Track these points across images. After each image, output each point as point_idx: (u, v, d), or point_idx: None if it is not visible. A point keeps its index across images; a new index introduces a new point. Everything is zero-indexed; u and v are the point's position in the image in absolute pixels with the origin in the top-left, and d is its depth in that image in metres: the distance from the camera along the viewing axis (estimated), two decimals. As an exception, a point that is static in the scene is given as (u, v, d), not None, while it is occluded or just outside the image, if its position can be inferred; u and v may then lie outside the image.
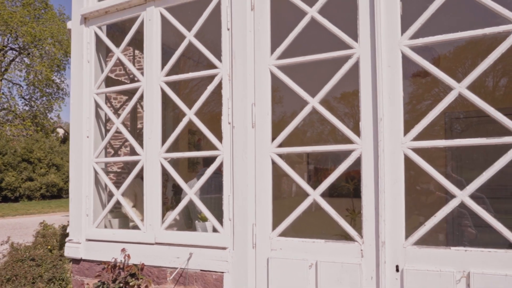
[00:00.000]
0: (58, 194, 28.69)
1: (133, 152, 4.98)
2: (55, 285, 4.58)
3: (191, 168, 7.68)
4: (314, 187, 2.61)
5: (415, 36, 2.34)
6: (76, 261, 3.42)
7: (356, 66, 2.48)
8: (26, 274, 4.48)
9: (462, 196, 2.21)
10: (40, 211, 19.52)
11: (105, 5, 3.40)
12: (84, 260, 3.38)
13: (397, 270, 2.30)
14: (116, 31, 4.28)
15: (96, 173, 3.43)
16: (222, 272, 2.77)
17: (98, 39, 3.55)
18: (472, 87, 2.22)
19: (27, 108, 31.05)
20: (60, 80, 31.92)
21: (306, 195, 2.59)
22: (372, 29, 2.43)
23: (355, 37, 2.50)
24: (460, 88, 2.21)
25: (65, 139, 38.02)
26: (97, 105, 3.50)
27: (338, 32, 2.55)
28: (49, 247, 6.82)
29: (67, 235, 7.41)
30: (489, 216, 2.16)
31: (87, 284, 3.28)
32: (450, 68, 4.73)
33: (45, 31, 29.01)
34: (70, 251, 3.41)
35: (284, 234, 2.62)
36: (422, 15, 2.30)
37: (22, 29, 27.00)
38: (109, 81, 4.73)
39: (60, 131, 40.36)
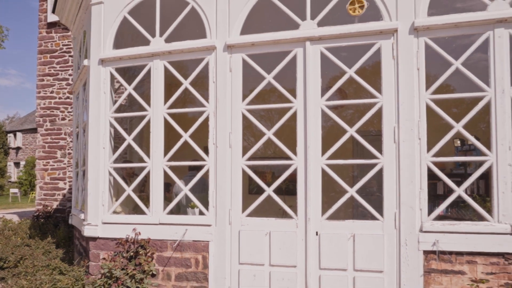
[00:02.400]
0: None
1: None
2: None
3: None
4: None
5: (329, 99, 4.05)
6: (93, 239, 4.70)
7: (295, 114, 4.13)
8: (32, 255, 5.57)
9: (352, 192, 3.96)
10: (-27, 209, 19.07)
11: (120, 53, 4.73)
12: (100, 238, 4.67)
13: (317, 234, 3.99)
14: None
15: (110, 174, 4.74)
16: (208, 241, 4.29)
17: (112, 76, 4.85)
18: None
19: None
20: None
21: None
22: (305, 92, 4.09)
23: (294, 95, 4.15)
24: (351, 131, 3.96)
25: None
26: (111, 125, 4.81)
27: (284, 91, 4.19)
28: (19, 238, 7.75)
29: (36, 228, 8.39)
30: (366, 204, 3.92)
31: (105, 254, 4.59)
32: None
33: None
34: (88, 231, 4.68)
35: (249, 215, 4.21)
36: (334, 86, 4.02)
37: None
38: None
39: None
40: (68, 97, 10.07)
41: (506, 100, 3.57)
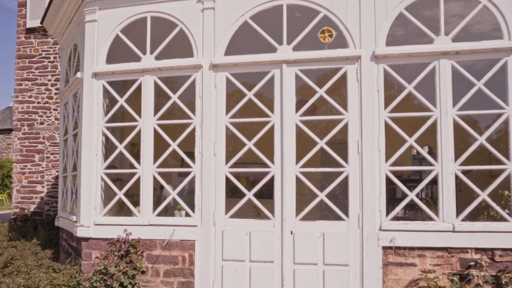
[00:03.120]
0: None
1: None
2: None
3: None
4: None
5: (303, 114, 4.64)
6: (86, 239, 5.08)
7: (272, 127, 4.69)
8: (22, 255, 5.85)
9: (322, 196, 4.55)
10: None
11: (112, 68, 5.15)
12: (92, 238, 5.06)
13: (291, 233, 4.56)
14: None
15: (102, 179, 5.15)
16: (194, 240, 4.77)
17: (104, 89, 5.25)
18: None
19: None
20: None
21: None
22: (281, 108, 4.66)
23: (272, 110, 4.71)
24: (321, 143, 4.56)
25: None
26: (103, 133, 5.21)
27: (263, 107, 4.75)
28: (-1, 241, 7.93)
29: (16, 231, 8.57)
30: (334, 206, 4.52)
31: (98, 253, 4.98)
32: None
33: None
34: (81, 232, 5.06)
35: (232, 216, 4.73)
36: (306, 104, 4.61)
37: None
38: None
39: None
40: (47, 102, 10.25)
41: (449, 119, 4.26)
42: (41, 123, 10.28)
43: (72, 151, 6.01)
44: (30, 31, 10.42)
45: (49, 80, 10.28)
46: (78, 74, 5.40)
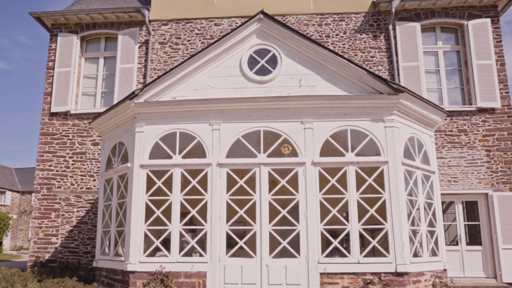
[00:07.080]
0: None
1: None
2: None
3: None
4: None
5: (273, 194, 7.89)
6: (133, 272, 7.83)
7: (254, 202, 7.87)
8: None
9: (284, 243, 7.70)
10: None
11: (153, 162, 8.23)
12: (137, 272, 7.83)
13: (266, 266, 7.62)
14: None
15: (145, 234, 8.02)
16: (206, 271, 7.69)
17: (148, 175, 8.26)
18: (288, 210, 7.83)
19: None
20: None
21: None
22: (260, 190, 7.87)
23: (254, 191, 7.91)
24: (284, 212, 7.80)
25: None
26: (147, 204, 8.15)
27: (249, 189, 7.96)
28: (28, 283, 10.23)
29: (44, 274, 10.95)
30: (292, 249, 7.66)
31: (141, 282, 7.74)
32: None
33: None
34: (130, 267, 7.81)
35: (231, 256, 7.74)
36: (274, 188, 7.89)
37: None
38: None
39: None
40: (64, 171, 12.88)
41: (354, 199, 7.67)
42: (58, 187, 12.84)
43: (116, 212, 8.81)
44: (53, 114, 13.23)
45: (67, 153, 12.98)
46: (128, 164, 8.40)
